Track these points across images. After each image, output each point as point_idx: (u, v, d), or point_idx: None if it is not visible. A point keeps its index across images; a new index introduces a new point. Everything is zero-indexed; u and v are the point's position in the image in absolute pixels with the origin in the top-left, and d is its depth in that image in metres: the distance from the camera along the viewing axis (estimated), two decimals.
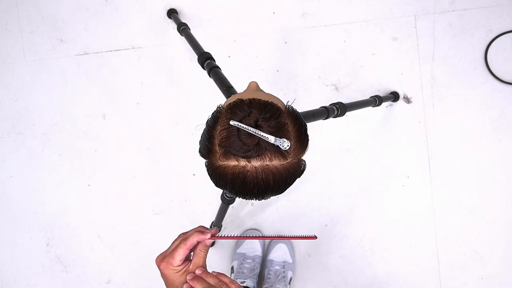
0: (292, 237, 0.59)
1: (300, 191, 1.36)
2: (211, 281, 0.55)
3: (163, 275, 0.55)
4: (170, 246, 0.56)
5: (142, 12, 1.39)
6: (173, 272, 0.54)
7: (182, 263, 0.54)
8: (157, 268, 0.55)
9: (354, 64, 1.36)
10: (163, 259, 0.54)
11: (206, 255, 0.56)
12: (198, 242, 0.55)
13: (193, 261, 0.55)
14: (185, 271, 0.55)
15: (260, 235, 1.35)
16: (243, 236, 0.56)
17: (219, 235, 0.56)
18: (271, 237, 0.67)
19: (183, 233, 0.57)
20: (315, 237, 0.57)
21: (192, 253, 0.57)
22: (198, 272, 0.56)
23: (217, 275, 0.56)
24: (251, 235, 1.33)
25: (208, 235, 0.55)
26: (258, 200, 0.54)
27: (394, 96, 1.33)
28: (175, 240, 0.56)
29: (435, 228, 1.35)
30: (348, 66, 1.36)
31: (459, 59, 1.34)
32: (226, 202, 1.03)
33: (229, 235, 0.58)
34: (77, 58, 1.40)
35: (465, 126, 1.34)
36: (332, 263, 1.36)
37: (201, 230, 0.56)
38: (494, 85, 1.33)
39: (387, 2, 1.35)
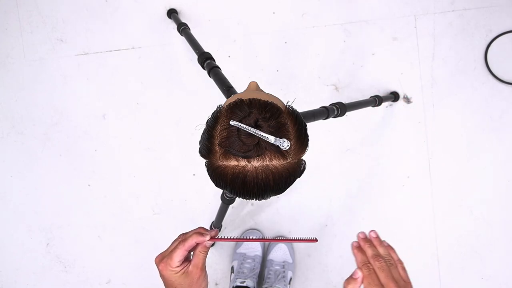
0: (292, 239, 0.59)
1: (300, 191, 1.36)
2: (382, 251, 0.54)
3: (162, 276, 0.55)
4: (170, 246, 0.56)
5: (142, 12, 1.39)
6: (172, 273, 0.54)
7: (180, 264, 0.54)
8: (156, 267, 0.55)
9: (354, 64, 1.36)
10: (162, 259, 0.54)
11: (205, 256, 0.56)
12: (198, 244, 0.55)
13: (192, 262, 0.55)
14: (184, 272, 0.54)
15: (260, 236, 1.35)
16: (243, 238, 0.56)
17: (219, 237, 0.56)
18: (271, 239, 0.67)
19: (182, 234, 0.57)
20: (315, 240, 0.57)
21: (192, 253, 0.56)
22: (372, 235, 0.55)
23: (388, 247, 0.55)
24: (251, 235, 1.33)
25: (207, 237, 0.55)
26: (258, 200, 0.54)
27: (394, 96, 1.33)
28: (175, 240, 0.56)
29: (435, 228, 1.35)
30: (348, 66, 1.36)
31: (459, 59, 1.34)
32: (226, 202, 1.03)
33: (229, 237, 0.58)
34: (77, 58, 1.40)
35: (465, 126, 1.34)
36: (332, 263, 1.36)
37: (200, 231, 0.56)
38: (494, 85, 1.33)
39: (387, 2, 1.35)
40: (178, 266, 0.54)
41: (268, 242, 1.36)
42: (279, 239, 0.59)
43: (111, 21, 1.39)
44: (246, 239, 0.61)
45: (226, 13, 1.38)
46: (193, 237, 0.54)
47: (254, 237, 1.31)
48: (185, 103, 1.38)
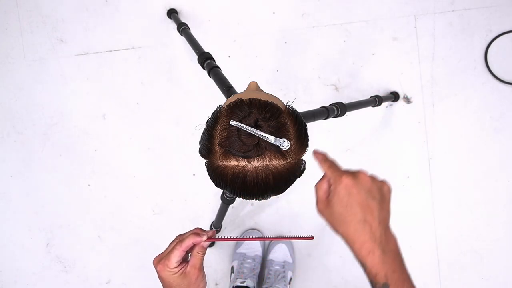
0: (290, 237, 0.59)
1: (300, 191, 1.36)
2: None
3: (160, 277, 0.55)
4: (167, 248, 0.56)
5: (142, 12, 1.39)
6: (170, 273, 0.54)
7: (178, 265, 0.54)
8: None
9: (354, 64, 1.36)
10: (159, 260, 0.54)
11: (203, 256, 0.56)
12: (195, 244, 0.55)
13: (190, 263, 0.55)
14: (181, 272, 0.54)
15: (260, 235, 1.35)
16: (240, 238, 0.57)
17: (218, 237, 0.56)
18: (269, 238, 0.67)
19: (179, 235, 0.56)
20: (311, 238, 0.57)
21: (190, 254, 0.56)
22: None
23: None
24: (250, 235, 1.33)
25: (204, 237, 0.55)
26: (258, 200, 0.54)
27: (394, 96, 1.33)
28: (172, 241, 0.56)
29: (435, 228, 1.35)
30: (348, 66, 1.36)
31: (459, 59, 1.34)
32: (226, 202, 1.03)
33: (227, 237, 0.58)
34: (77, 58, 1.40)
35: (465, 126, 1.34)
36: (332, 263, 1.36)
37: (197, 232, 0.55)
38: (494, 85, 1.33)
39: (387, 2, 1.35)
40: (175, 267, 0.54)
41: (264, 240, 1.36)
42: (275, 238, 0.59)
43: (111, 21, 1.39)
44: (243, 238, 0.61)
45: (226, 13, 1.38)
46: (190, 237, 0.54)
47: (251, 237, 1.31)
48: (185, 103, 1.38)
